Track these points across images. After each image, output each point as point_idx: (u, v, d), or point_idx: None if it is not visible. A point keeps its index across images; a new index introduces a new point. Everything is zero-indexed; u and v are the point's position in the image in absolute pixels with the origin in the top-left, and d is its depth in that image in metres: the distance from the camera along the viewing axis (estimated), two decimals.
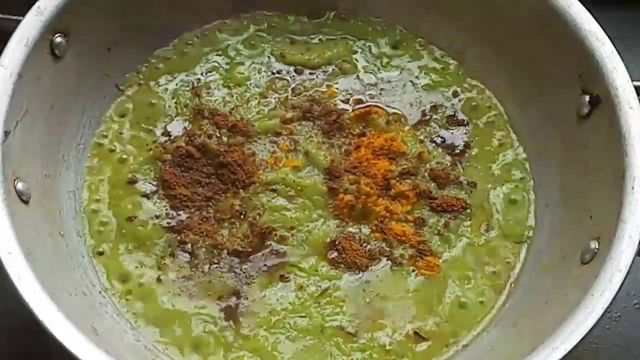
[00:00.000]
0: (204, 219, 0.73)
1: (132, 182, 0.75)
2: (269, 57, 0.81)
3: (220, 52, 0.81)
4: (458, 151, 0.78)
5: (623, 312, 0.78)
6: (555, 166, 0.75)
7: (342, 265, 0.72)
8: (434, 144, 0.78)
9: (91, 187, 0.74)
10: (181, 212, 0.73)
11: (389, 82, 0.81)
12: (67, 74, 0.71)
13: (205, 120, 0.77)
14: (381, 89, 0.81)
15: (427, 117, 0.80)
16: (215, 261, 0.72)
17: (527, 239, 0.75)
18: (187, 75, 0.80)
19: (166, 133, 0.77)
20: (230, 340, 0.69)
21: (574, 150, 0.72)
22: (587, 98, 0.70)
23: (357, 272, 0.72)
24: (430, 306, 0.71)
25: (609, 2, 0.78)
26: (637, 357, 0.77)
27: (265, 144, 0.77)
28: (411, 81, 0.81)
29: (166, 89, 0.79)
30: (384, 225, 0.73)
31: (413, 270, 0.72)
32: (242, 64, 0.81)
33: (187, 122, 0.78)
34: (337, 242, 0.73)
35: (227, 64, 0.81)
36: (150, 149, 0.76)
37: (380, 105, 0.80)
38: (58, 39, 0.68)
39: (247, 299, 0.70)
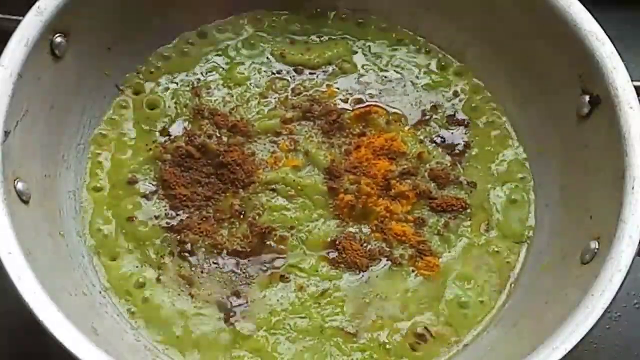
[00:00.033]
0: (204, 219, 0.73)
1: (132, 182, 0.75)
2: (269, 57, 0.81)
3: (220, 52, 0.81)
4: (458, 151, 0.78)
5: (623, 312, 0.78)
6: (555, 166, 0.75)
7: (343, 265, 0.72)
8: (434, 144, 0.78)
9: (91, 187, 0.74)
10: (181, 212, 0.73)
11: (389, 82, 0.81)
12: (67, 74, 0.71)
13: (205, 120, 0.77)
14: (381, 89, 0.81)
15: (427, 117, 0.80)
16: (215, 261, 0.72)
17: (527, 239, 0.75)
18: (187, 75, 0.80)
19: (166, 133, 0.77)
20: (230, 341, 0.69)
21: (574, 150, 0.72)
22: (587, 98, 0.70)
23: (357, 272, 0.72)
24: (430, 306, 0.71)
25: (609, 2, 0.78)
26: (637, 357, 0.77)
27: (265, 144, 0.77)
28: (411, 81, 0.81)
29: (166, 89, 0.79)
30: (384, 225, 0.73)
31: (413, 271, 0.72)
32: (242, 64, 0.81)
33: (187, 122, 0.78)
34: (337, 242, 0.73)
35: (227, 64, 0.81)
36: (150, 149, 0.76)
37: (380, 105, 0.80)
38: (58, 39, 0.68)
39: (247, 299, 0.70)
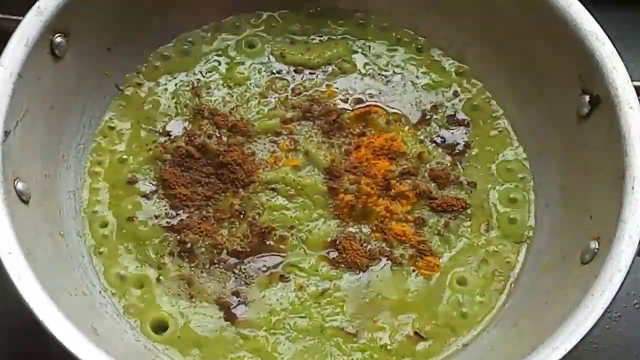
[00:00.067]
0: (204, 219, 0.73)
1: (132, 182, 0.75)
2: (269, 57, 0.81)
3: (220, 52, 0.81)
4: (458, 151, 0.78)
5: (623, 312, 0.78)
6: (555, 166, 0.75)
7: (343, 265, 0.72)
8: (434, 144, 0.78)
9: (91, 187, 0.74)
10: (181, 212, 0.73)
11: (389, 81, 0.81)
12: (67, 74, 0.71)
13: (205, 120, 0.77)
14: (381, 89, 0.81)
15: (427, 117, 0.80)
16: (215, 261, 0.72)
17: (527, 239, 0.75)
18: (187, 75, 0.80)
19: (166, 133, 0.77)
20: (230, 341, 0.69)
21: (574, 150, 0.72)
22: (587, 98, 0.70)
23: (358, 272, 0.72)
24: (430, 306, 0.71)
25: (609, 2, 0.78)
26: (637, 357, 0.77)
27: (265, 144, 0.77)
28: (411, 81, 0.81)
29: (166, 89, 0.79)
30: (384, 225, 0.73)
31: (413, 270, 0.72)
32: (242, 64, 0.81)
33: (187, 122, 0.78)
34: (337, 242, 0.73)
35: (227, 64, 0.81)
36: (150, 149, 0.76)
37: (380, 105, 0.80)
38: (58, 39, 0.68)
39: (247, 299, 0.70)
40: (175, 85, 0.79)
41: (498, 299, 0.72)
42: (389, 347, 0.69)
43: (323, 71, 0.81)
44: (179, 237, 0.72)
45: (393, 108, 0.80)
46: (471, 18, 0.79)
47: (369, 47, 0.83)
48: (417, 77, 0.82)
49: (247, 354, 0.68)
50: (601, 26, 0.70)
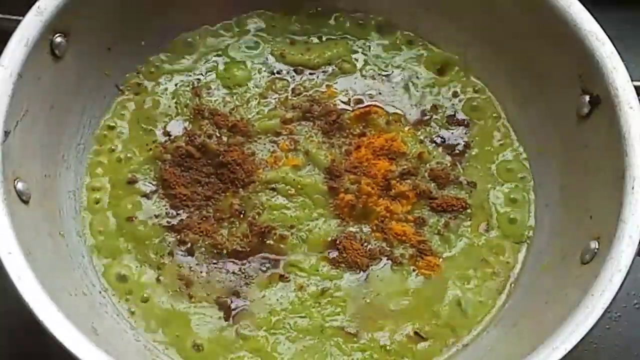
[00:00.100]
0: (204, 219, 0.73)
1: (132, 181, 0.75)
2: (269, 57, 0.81)
3: (220, 52, 0.81)
4: (458, 151, 0.78)
5: (623, 312, 0.78)
6: (555, 166, 0.75)
7: (343, 265, 0.72)
8: (434, 144, 0.78)
9: (91, 187, 0.74)
10: (181, 212, 0.73)
11: (389, 82, 0.81)
12: (67, 74, 0.71)
13: (205, 120, 0.77)
14: (381, 89, 0.81)
15: (427, 117, 0.80)
16: (215, 261, 0.72)
17: (527, 239, 0.75)
18: (187, 75, 0.80)
19: (166, 133, 0.77)
20: (230, 341, 0.69)
21: (574, 150, 0.72)
22: (587, 98, 0.70)
23: (358, 271, 0.72)
24: (430, 306, 0.71)
25: (609, 2, 0.78)
26: (637, 357, 0.77)
27: (265, 144, 0.77)
28: (411, 81, 0.81)
29: (166, 89, 0.79)
30: (385, 225, 0.73)
31: (413, 270, 0.72)
32: (242, 64, 0.81)
33: (187, 122, 0.78)
34: (338, 242, 0.73)
35: (227, 64, 0.81)
36: (150, 149, 0.76)
37: (380, 105, 0.80)
38: (58, 39, 0.68)
39: (247, 299, 0.70)
40: (175, 85, 0.79)
41: (498, 299, 0.72)
42: (388, 347, 0.69)
43: (323, 71, 0.81)
44: (179, 237, 0.72)
45: (393, 108, 0.80)
46: (471, 18, 0.79)
47: (369, 47, 0.83)
48: (417, 77, 0.82)
49: (247, 354, 0.68)
50: (601, 26, 0.70)
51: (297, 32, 0.83)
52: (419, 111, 0.80)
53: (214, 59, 0.81)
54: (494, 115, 0.80)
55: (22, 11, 0.66)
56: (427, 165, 0.77)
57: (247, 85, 0.80)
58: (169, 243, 0.72)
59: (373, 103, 0.80)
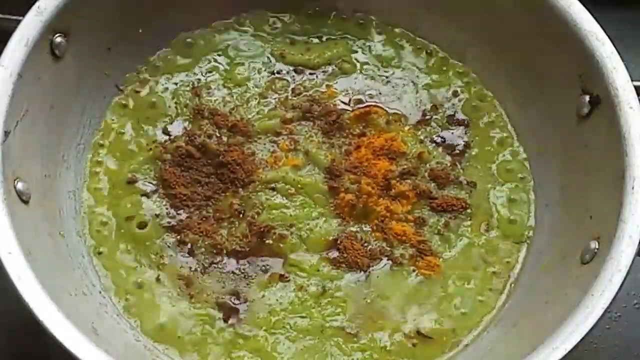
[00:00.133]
0: (204, 219, 0.73)
1: (132, 181, 0.75)
2: (269, 57, 0.81)
3: (220, 52, 0.81)
4: (458, 151, 0.78)
5: (623, 312, 0.78)
6: (555, 166, 0.75)
7: (344, 265, 0.72)
8: (434, 144, 0.78)
9: (91, 187, 0.74)
10: (181, 212, 0.73)
11: (389, 82, 0.81)
12: (67, 74, 0.71)
13: (205, 120, 0.77)
14: (381, 89, 0.81)
15: (427, 117, 0.80)
16: (215, 261, 0.72)
17: (527, 239, 0.75)
18: (187, 75, 0.80)
19: (166, 133, 0.77)
20: (230, 341, 0.69)
21: (574, 150, 0.72)
22: (587, 98, 0.70)
23: (359, 272, 0.72)
24: (430, 306, 0.71)
25: (609, 2, 0.78)
26: (637, 357, 0.77)
27: (265, 144, 0.77)
28: (412, 81, 0.81)
29: (166, 89, 0.79)
30: (385, 225, 0.73)
31: (413, 270, 0.72)
32: (242, 64, 0.81)
33: (187, 122, 0.78)
34: (339, 242, 0.73)
35: (227, 64, 0.81)
36: (150, 149, 0.76)
37: (380, 105, 0.80)
38: (58, 39, 0.68)
39: (247, 299, 0.70)
40: (175, 85, 0.79)
41: (498, 299, 0.72)
42: (388, 347, 0.69)
43: (323, 71, 0.81)
44: (178, 237, 0.72)
45: (393, 108, 0.80)
46: (471, 18, 0.79)
47: (369, 47, 0.83)
48: (417, 77, 0.82)
49: (247, 354, 0.68)
50: (601, 26, 0.70)
51: (297, 32, 0.83)
52: (419, 111, 0.80)
53: (214, 59, 0.81)
54: (494, 115, 0.80)
55: (22, 11, 0.66)
56: (427, 165, 0.77)
57: (247, 85, 0.80)
58: (169, 243, 0.72)
59: (373, 103, 0.80)
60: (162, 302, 0.70)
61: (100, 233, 0.72)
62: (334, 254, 0.72)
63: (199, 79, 0.80)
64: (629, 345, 0.77)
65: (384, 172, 0.75)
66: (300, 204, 0.74)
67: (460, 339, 0.70)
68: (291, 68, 0.81)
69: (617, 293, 0.60)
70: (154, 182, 0.75)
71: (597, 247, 0.64)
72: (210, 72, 0.80)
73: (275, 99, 0.79)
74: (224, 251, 0.72)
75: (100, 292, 0.70)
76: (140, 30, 0.77)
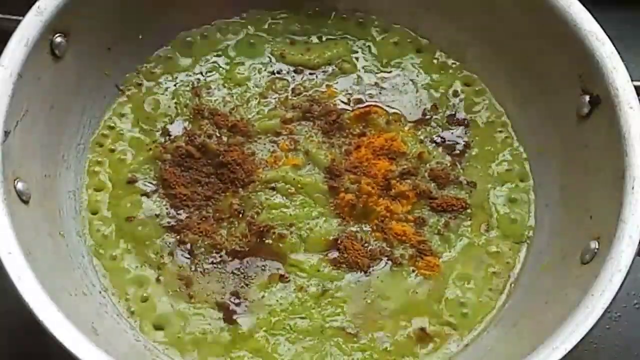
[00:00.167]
0: (204, 219, 0.73)
1: (132, 181, 0.75)
2: (269, 57, 0.81)
3: (220, 52, 0.81)
4: (458, 151, 0.78)
5: (623, 312, 0.78)
6: (555, 166, 0.75)
7: (344, 266, 0.72)
8: (434, 144, 0.78)
9: (91, 187, 0.74)
10: (181, 212, 0.73)
11: (389, 81, 0.81)
12: (67, 74, 0.71)
13: (205, 120, 0.77)
14: (381, 89, 0.81)
15: (427, 117, 0.80)
16: (215, 261, 0.72)
17: (527, 239, 0.75)
18: (187, 75, 0.80)
19: (166, 133, 0.77)
20: (230, 341, 0.69)
21: (574, 150, 0.72)
22: (587, 98, 0.70)
23: (359, 272, 0.72)
24: (430, 306, 0.71)
25: (609, 2, 0.78)
26: (637, 357, 0.77)
27: (265, 144, 0.77)
28: (411, 81, 0.81)
29: (166, 89, 0.79)
30: (385, 225, 0.73)
31: (413, 271, 0.72)
32: (242, 64, 0.81)
33: (187, 122, 0.78)
34: (339, 242, 0.73)
35: (227, 64, 0.81)
36: (150, 149, 0.76)
37: (380, 105, 0.80)
38: (58, 39, 0.68)
39: (247, 299, 0.70)
40: (175, 85, 0.79)
41: (498, 299, 0.72)
42: (389, 347, 0.69)
43: (323, 71, 0.81)
44: (178, 237, 0.72)
45: (393, 108, 0.80)
46: (471, 18, 0.79)
47: (369, 47, 0.83)
48: (417, 77, 0.82)
49: (247, 354, 0.68)
50: (601, 26, 0.70)
51: (297, 32, 0.83)
52: (419, 111, 0.80)
53: (214, 59, 0.81)
54: (494, 115, 0.80)
55: (22, 11, 0.66)
56: (427, 165, 0.77)
57: (247, 85, 0.80)
58: (169, 243, 0.72)
59: (373, 103, 0.80)
60: (162, 302, 0.70)
61: (100, 233, 0.72)
62: (334, 254, 0.72)
63: (199, 79, 0.80)
64: (629, 345, 0.77)
65: (384, 172, 0.75)
66: (300, 204, 0.74)
67: (461, 338, 0.70)
68: (291, 68, 0.81)
69: (617, 293, 0.60)
70: (154, 182, 0.75)
71: (597, 247, 0.64)
72: (210, 72, 0.80)
73: (275, 98, 0.79)
74: (224, 251, 0.72)
75: (100, 292, 0.70)
76: (140, 37, 0.78)
